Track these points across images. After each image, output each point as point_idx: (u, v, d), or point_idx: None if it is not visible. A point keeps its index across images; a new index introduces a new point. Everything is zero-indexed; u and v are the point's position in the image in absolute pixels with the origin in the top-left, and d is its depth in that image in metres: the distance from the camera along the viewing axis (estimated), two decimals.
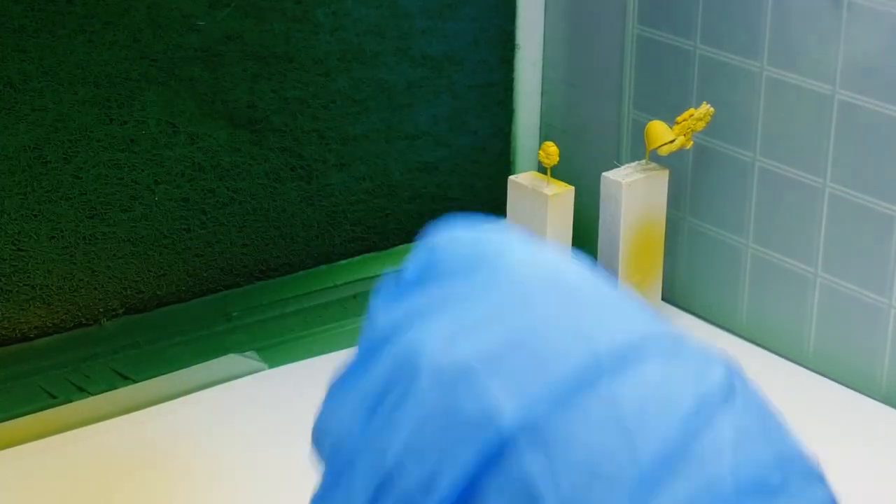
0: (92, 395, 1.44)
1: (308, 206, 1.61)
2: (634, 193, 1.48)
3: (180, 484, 1.30)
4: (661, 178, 1.50)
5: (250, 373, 1.48)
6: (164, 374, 1.48)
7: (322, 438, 0.79)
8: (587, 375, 0.67)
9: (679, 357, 0.76)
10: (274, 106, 1.55)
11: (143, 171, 1.49)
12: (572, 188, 1.46)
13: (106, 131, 1.46)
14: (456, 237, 0.78)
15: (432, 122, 1.66)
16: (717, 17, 1.49)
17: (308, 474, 1.34)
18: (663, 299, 1.57)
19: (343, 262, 1.65)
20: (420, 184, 1.68)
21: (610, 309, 0.75)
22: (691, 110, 1.48)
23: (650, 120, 1.51)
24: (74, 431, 1.38)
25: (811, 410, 1.43)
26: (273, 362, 1.50)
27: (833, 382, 1.47)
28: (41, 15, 1.39)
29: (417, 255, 0.80)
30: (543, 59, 1.71)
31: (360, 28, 1.58)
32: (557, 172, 1.48)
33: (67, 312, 1.50)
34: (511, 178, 1.48)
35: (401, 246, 1.69)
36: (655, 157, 1.50)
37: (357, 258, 1.66)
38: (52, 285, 1.48)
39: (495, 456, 0.65)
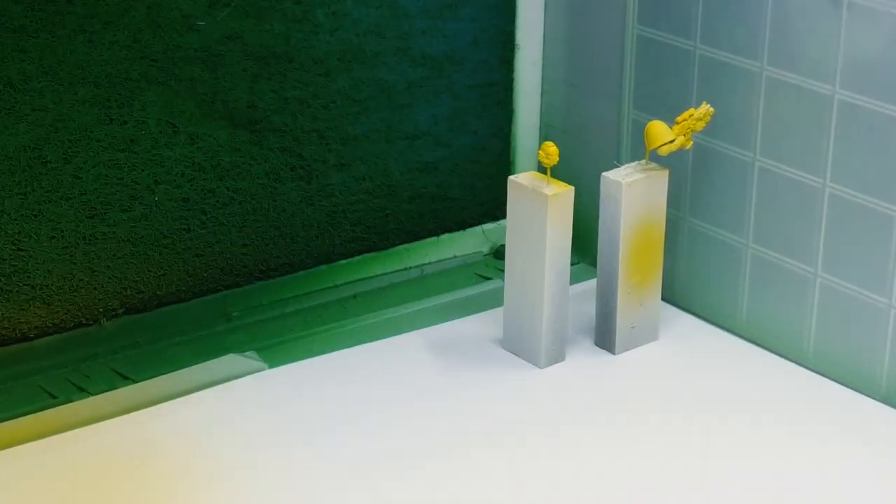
0: (92, 395, 1.44)
1: (308, 206, 1.61)
2: (634, 193, 1.48)
3: (180, 484, 1.31)
4: (661, 178, 1.50)
5: (250, 373, 1.48)
6: (164, 374, 1.48)
7: None
8: None
9: None
10: (274, 106, 1.55)
11: (143, 171, 1.49)
12: (572, 188, 1.46)
13: (106, 131, 1.46)
14: None
15: (432, 122, 1.66)
16: (717, 17, 1.49)
17: (308, 474, 1.35)
18: (663, 299, 1.57)
19: (343, 262, 1.65)
20: (420, 184, 1.68)
21: None
22: (691, 110, 1.48)
23: (650, 120, 1.51)
24: (74, 431, 1.38)
25: (811, 410, 1.43)
26: (273, 362, 1.50)
27: (833, 382, 1.47)
28: (41, 15, 1.39)
29: None
30: (543, 59, 1.71)
31: (360, 28, 1.58)
32: (557, 172, 1.48)
33: (67, 312, 1.50)
34: (511, 178, 1.48)
35: (401, 246, 1.69)
36: (655, 157, 1.50)
37: (357, 258, 1.66)
38: (52, 285, 1.48)
39: None
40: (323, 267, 1.64)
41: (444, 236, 1.72)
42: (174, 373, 1.48)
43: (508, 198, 1.48)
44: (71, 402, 1.43)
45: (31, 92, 1.41)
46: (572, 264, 1.55)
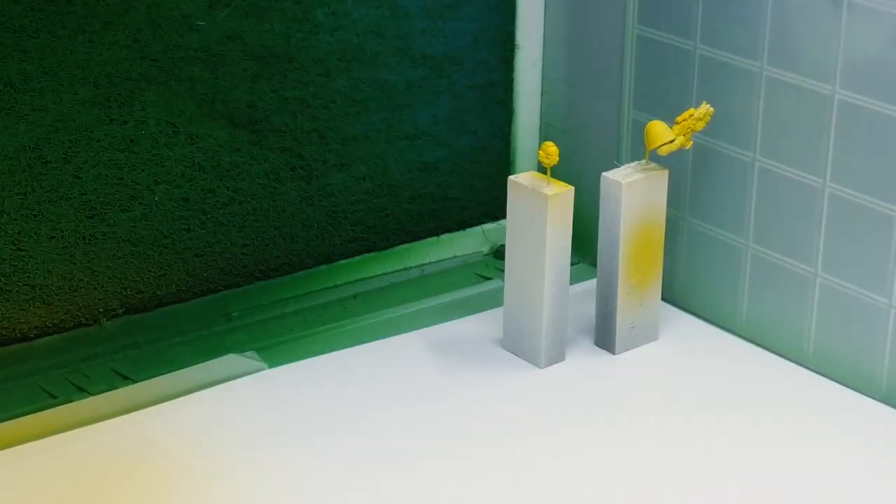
0: (92, 395, 1.44)
1: (308, 206, 1.61)
2: (634, 193, 1.48)
3: (180, 484, 1.31)
4: (661, 178, 1.50)
5: (250, 373, 1.48)
6: (164, 374, 1.48)
7: None
8: None
9: None
10: (274, 106, 1.55)
11: (143, 171, 1.49)
12: (572, 188, 1.46)
13: (106, 131, 1.46)
14: None
15: (432, 122, 1.66)
16: (717, 17, 1.49)
17: (308, 474, 1.35)
18: (663, 299, 1.57)
19: (343, 262, 1.65)
20: (420, 184, 1.68)
21: None
22: (691, 110, 1.48)
23: (650, 120, 1.51)
24: (74, 431, 1.38)
25: (811, 410, 1.43)
26: (273, 362, 1.50)
27: (833, 382, 1.47)
28: (41, 15, 1.39)
29: None
30: (543, 59, 1.71)
31: (360, 28, 1.58)
32: (557, 172, 1.48)
33: (67, 312, 1.50)
34: (511, 178, 1.48)
35: (401, 246, 1.69)
36: (655, 157, 1.50)
37: (357, 258, 1.66)
38: (52, 285, 1.48)
39: None
40: (323, 267, 1.64)
41: (444, 236, 1.72)
42: (174, 373, 1.48)
43: (508, 198, 1.48)
44: (71, 402, 1.43)
45: (31, 92, 1.41)
46: (572, 264, 1.55)
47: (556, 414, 1.42)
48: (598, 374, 1.50)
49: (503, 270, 1.61)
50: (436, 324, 1.58)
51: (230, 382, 1.46)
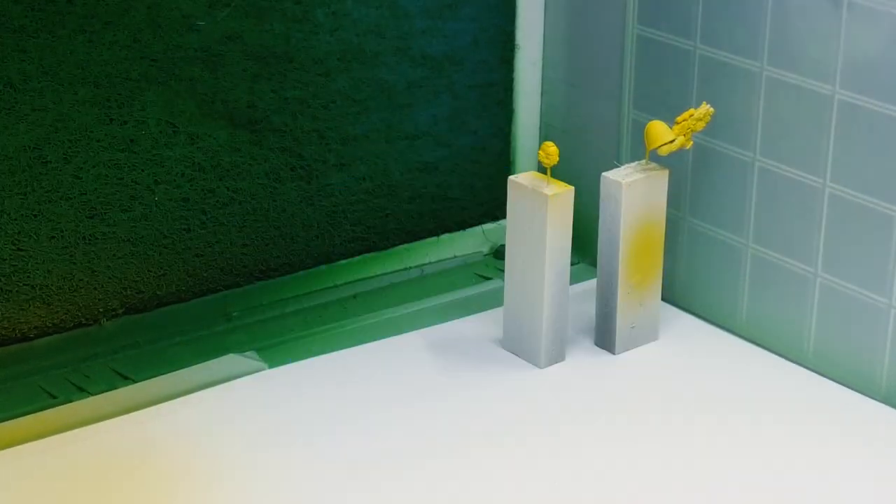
0: (92, 395, 1.44)
1: (308, 206, 1.61)
2: (634, 193, 1.48)
3: (180, 484, 1.31)
4: (661, 178, 1.50)
5: (250, 373, 1.48)
6: (164, 374, 1.48)
7: None
8: None
9: None
10: (274, 106, 1.55)
11: (143, 171, 1.49)
12: (572, 188, 1.46)
13: (106, 131, 1.46)
14: None
15: (432, 122, 1.66)
16: (717, 17, 1.49)
17: (308, 474, 1.35)
18: (663, 299, 1.57)
19: (343, 262, 1.65)
20: (420, 184, 1.68)
21: None
22: (691, 110, 1.48)
23: (650, 120, 1.51)
24: (74, 431, 1.38)
25: (811, 410, 1.43)
26: (273, 362, 1.50)
27: (833, 382, 1.47)
28: (41, 15, 1.39)
29: None
30: (543, 59, 1.71)
31: (360, 28, 1.58)
32: (557, 172, 1.48)
33: (67, 312, 1.50)
34: (511, 178, 1.48)
35: (401, 246, 1.69)
36: (655, 157, 1.50)
37: (357, 258, 1.66)
38: (52, 285, 1.48)
39: None
40: (323, 267, 1.64)
41: (444, 236, 1.72)
42: (174, 373, 1.48)
43: (508, 198, 1.48)
44: (71, 402, 1.43)
45: (31, 92, 1.41)
46: (572, 264, 1.55)
47: (556, 414, 1.42)
48: (598, 374, 1.50)
49: (503, 270, 1.61)
50: (436, 324, 1.58)
51: (230, 382, 1.46)
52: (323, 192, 1.61)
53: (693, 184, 1.56)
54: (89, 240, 1.49)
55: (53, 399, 1.44)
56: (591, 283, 1.61)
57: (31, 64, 1.40)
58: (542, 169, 1.48)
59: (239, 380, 1.47)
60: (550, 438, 1.38)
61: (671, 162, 1.52)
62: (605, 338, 1.53)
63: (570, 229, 1.47)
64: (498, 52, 1.69)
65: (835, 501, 1.30)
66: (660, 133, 1.48)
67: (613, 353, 1.52)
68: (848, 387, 1.46)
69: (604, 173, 1.49)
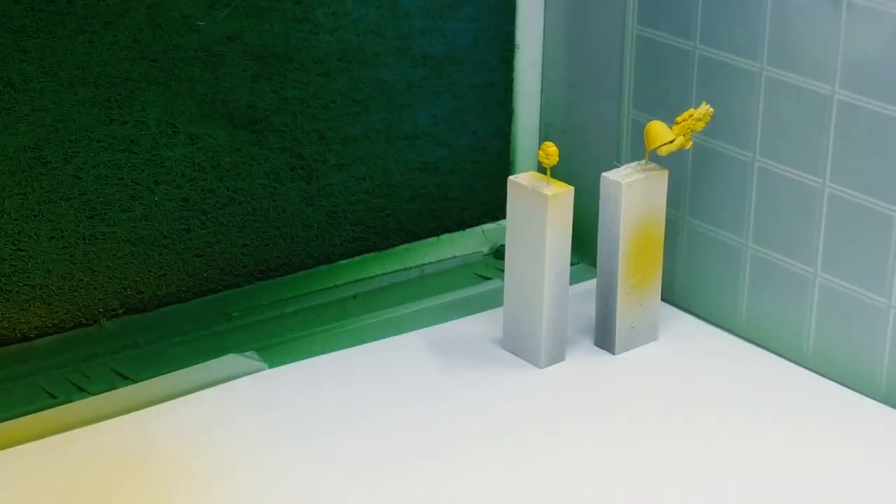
0: (92, 395, 1.44)
1: (308, 206, 1.61)
2: (634, 193, 1.48)
3: (180, 484, 1.31)
4: (661, 178, 1.50)
5: (250, 373, 1.48)
6: (164, 374, 1.48)
7: None
8: None
9: None
10: (274, 106, 1.55)
11: (143, 171, 1.49)
12: (572, 188, 1.46)
13: (106, 131, 1.46)
14: None
15: (432, 122, 1.66)
16: (716, 17, 1.50)
17: (308, 474, 1.35)
18: (663, 299, 1.57)
19: (343, 262, 1.65)
20: (420, 184, 1.68)
21: None
22: (691, 110, 1.48)
23: (650, 120, 1.51)
24: (74, 431, 1.38)
25: (811, 410, 1.43)
26: (273, 362, 1.50)
27: (833, 382, 1.47)
28: (41, 15, 1.40)
29: None
30: (543, 59, 1.71)
31: (360, 28, 1.58)
32: (557, 172, 1.48)
33: (67, 312, 1.50)
34: (511, 178, 1.48)
35: (401, 246, 1.69)
36: (655, 157, 1.50)
37: (357, 258, 1.66)
38: (52, 285, 1.48)
39: None
40: (323, 267, 1.64)
41: (444, 236, 1.72)
42: (174, 373, 1.48)
43: (508, 198, 1.48)
44: (71, 402, 1.43)
45: (31, 92, 1.41)
46: (572, 264, 1.55)
47: (556, 414, 1.42)
48: (598, 374, 1.50)
49: (503, 270, 1.61)
50: (436, 324, 1.58)
51: (230, 382, 1.46)
52: (323, 192, 1.61)
53: (693, 184, 1.56)
54: (89, 240, 1.49)
55: (53, 399, 1.44)
56: (591, 283, 1.61)
57: (32, 64, 1.40)
58: (542, 169, 1.48)
59: (239, 380, 1.47)
60: (550, 438, 1.38)
61: (671, 162, 1.52)
62: (604, 338, 1.53)
63: (570, 229, 1.47)
64: (498, 52, 1.69)
65: (835, 501, 1.30)
66: (659, 133, 1.48)
67: (613, 354, 1.52)
68: (847, 387, 1.46)
69: (604, 173, 1.49)
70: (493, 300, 1.62)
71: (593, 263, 1.63)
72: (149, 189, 1.50)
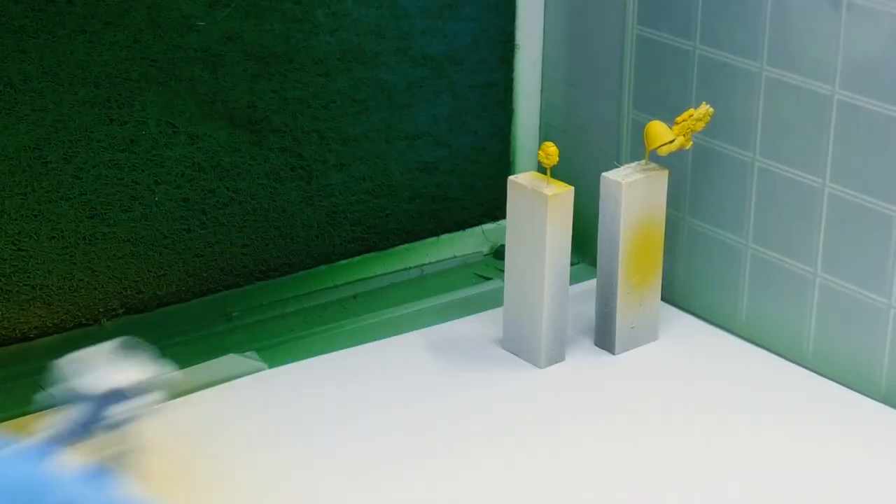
0: None
1: (308, 206, 1.61)
2: (634, 193, 1.48)
3: (180, 484, 1.31)
4: (661, 178, 1.50)
5: (250, 373, 1.48)
6: (163, 373, 1.47)
7: None
8: None
9: None
10: (274, 106, 1.55)
11: (143, 171, 1.49)
12: (572, 188, 1.46)
13: (106, 131, 1.46)
14: None
15: (432, 122, 1.66)
16: (716, 17, 1.50)
17: (308, 474, 1.35)
18: (663, 299, 1.57)
19: (343, 262, 1.65)
20: (420, 184, 1.68)
21: None
22: (691, 110, 1.48)
23: (650, 120, 1.51)
24: None
25: (811, 410, 1.43)
26: (273, 362, 1.50)
27: (833, 382, 1.47)
28: (41, 15, 1.40)
29: None
30: (543, 59, 1.71)
31: (360, 28, 1.58)
32: (557, 172, 1.48)
33: (67, 312, 1.50)
34: (511, 178, 1.48)
35: (401, 246, 1.69)
36: (655, 157, 1.50)
37: (357, 258, 1.66)
38: (52, 285, 1.48)
39: None
40: (323, 267, 1.64)
41: (444, 236, 1.72)
42: (174, 373, 1.48)
43: (508, 198, 1.48)
44: None
45: (31, 92, 1.41)
46: (572, 264, 1.55)
47: (556, 414, 1.42)
48: (598, 374, 1.50)
49: (503, 270, 1.61)
50: (436, 324, 1.58)
51: (230, 382, 1.46)
52: (323, 192, 1.61)
53: (693, 184, 1.56)
54: (89, 240, 1.49)
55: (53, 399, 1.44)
56: (591, 283, 1.61)
57: (32, 64, 1.40)
58: (542, 169, 1.48)
59: (239, 380, 1.47)
60: (550, 438, 1.38)
61: (671, 162, 1.52)
62: (604, 338, 1.53)
63: (570, 229, 1.47)
64: (498, 52, 1.69)
65: (835, 501, 1.30)
66: (659, 133, 1.48)
67: (613, 354, 1.52)
68: (847, 387, 1.46)
69: (604, 173, 1.49)
70: (493, 300, 1.62)
71: (593, 263, 1.63)
72: (149, 189, 1.50)
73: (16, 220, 1.44)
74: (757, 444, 1.37)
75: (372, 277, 1.67)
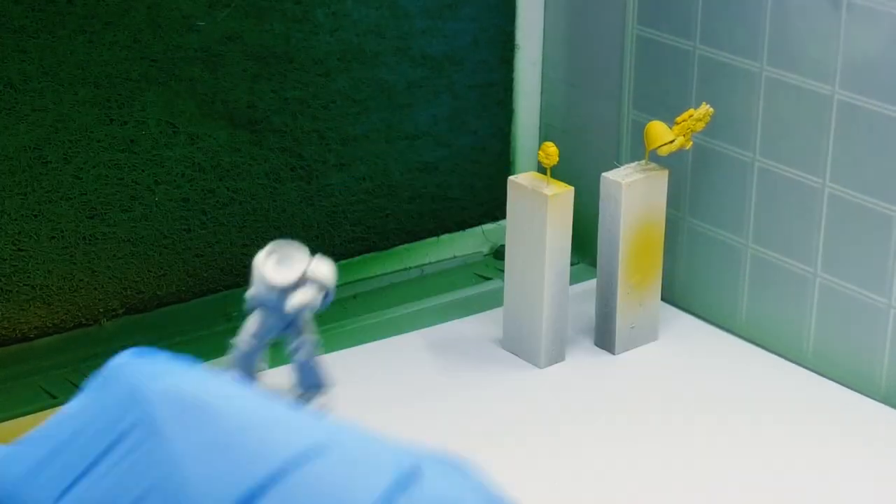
0: None
1: (308, 206, 1.61)
2: (634, 193, 1.48)
3: None
4: (661, 179, 1.50)
5: None
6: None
7: None
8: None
9: (358, 452, 0.89)
10: (274, 106, 1.55)
11: (143, 171, 1.49)
12: (572, 188, 1.46)
13: (106, 131, 1.46)
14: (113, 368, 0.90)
15: (432, 122, 1.66)
16: (716, 17, 1.50)
17: None
18: (663, 299, 1.57)
19: (343, 262, 1.65)
20: (420, 184, 1.68)
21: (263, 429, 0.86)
22: (691, 111, 1.48)
23: (650, 120, 1.51)
24: None
25: (811, 410, 1.43)
26: (273, 362, 1.50)
27: (832, 382, 1.47)
28: (41, 15, 1.40)
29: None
30: (543, 59, 1.71)
31: (360, 28, 1.58)
32: (557, 172, 1.48)
33: (67, 312, 1.50)
34: (511, 178, 1.48)
35: (401, 246, 1.69)
36: (655, 158, 1.50)
37: (357, 258, 1.66)
38: (52, 285, 1.48)
39: None
40: None
41: (444, 236, 1.72)
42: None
43: (508, 198, 1.48)
44: None
45: (31, 92, 1.41)
46: (572, 264, 1.55)
47: (556, 414, 1.42)
48: (598, 374, 1.50)
49: (503, 270, 1.61)
50: (436, 324, 1.58)
51: None
52: (323, 192, 1.61)
53: (693, 184, 1.56)
54: (89, 240, 1.49)
55: (53, 399, 1.44)
56: (591, 283, 1.61)
57: (32, 64, 1.40)
58: (542, 169, 1.48)
59: None
60: (550, 438, 1.38)
61: (671, 162, 1.52)
62: (604, 338, 1.53)
63: (570, 229, 1.47)
64: (498, 52, 1.69)
65: (835, 501, 1.30)
66: (659, 133, 1.48)
67: (613, 354, 1.53)
68: (847, 387, 1.46)
69: (604, 173, 1.49)
70: (493, 300, 1.62)
71: (593, 263, 1.63)
72: (149, 189, 1.50)
73: (16, 220, 1.44)
74: (757, 444, 1.37)
75: (372, 277, 1.67)
